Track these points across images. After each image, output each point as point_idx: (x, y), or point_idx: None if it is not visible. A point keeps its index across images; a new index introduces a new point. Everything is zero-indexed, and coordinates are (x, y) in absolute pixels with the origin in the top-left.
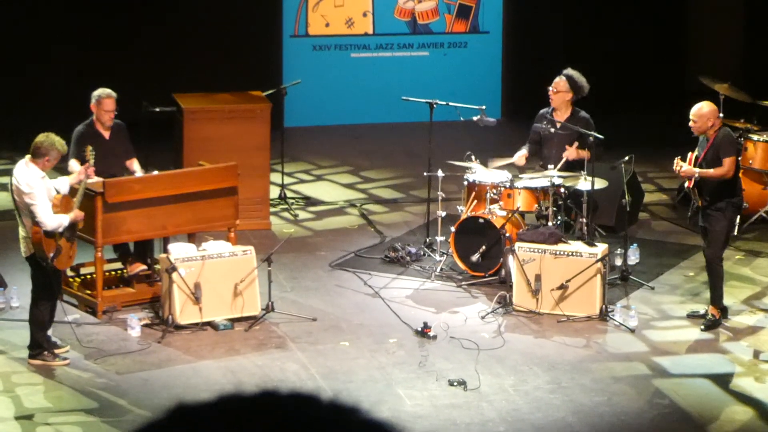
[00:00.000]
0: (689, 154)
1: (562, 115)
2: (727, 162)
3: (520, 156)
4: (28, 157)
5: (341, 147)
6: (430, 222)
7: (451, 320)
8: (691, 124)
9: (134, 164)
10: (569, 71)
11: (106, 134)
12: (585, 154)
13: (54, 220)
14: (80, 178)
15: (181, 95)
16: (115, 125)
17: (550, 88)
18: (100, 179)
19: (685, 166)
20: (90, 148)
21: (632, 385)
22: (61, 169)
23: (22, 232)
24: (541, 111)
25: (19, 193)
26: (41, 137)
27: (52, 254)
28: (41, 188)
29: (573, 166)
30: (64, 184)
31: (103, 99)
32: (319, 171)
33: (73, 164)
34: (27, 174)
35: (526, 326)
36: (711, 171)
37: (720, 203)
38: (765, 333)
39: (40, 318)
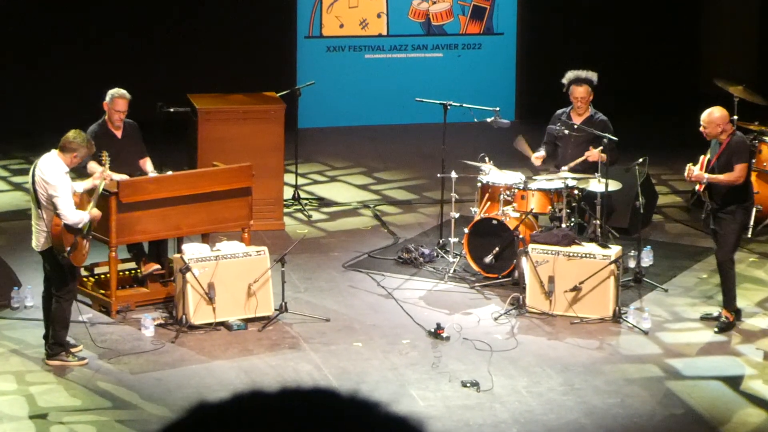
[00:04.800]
0: (701, 157)
1: (580, 116)
2: (738, 168)
3: (538, 156)
4: (55, 150)
5: (355, 148)
6: (443, 223)
7: (464, 321)
8: (701, 129)
9: (147, 164)
10: (581, 74)
11: (118, 133)
12: (606, 157)
13: (76, 215)
14: (95, 183)
15: (195, 96)
16: (127, 124)
17: (577, 99)
18: (120, 177)
19: (696, 171)
20: (106, 153)
21: (645, 387)
22: (78, 169)
23: (38, 225)
24: (557, 112)
25: (43, 185)
26: (73, 133)
27: (68, 248)
28: (66, 182)
29: (587, 168)
30: (77, 188)
31: (116, 99)
32: (333, 172)
33: (93, 166)
34: (54, 166)
35: (539, 328)
36: (721, 177)
37: (730, 207)
38: None
39: (64, 316)
